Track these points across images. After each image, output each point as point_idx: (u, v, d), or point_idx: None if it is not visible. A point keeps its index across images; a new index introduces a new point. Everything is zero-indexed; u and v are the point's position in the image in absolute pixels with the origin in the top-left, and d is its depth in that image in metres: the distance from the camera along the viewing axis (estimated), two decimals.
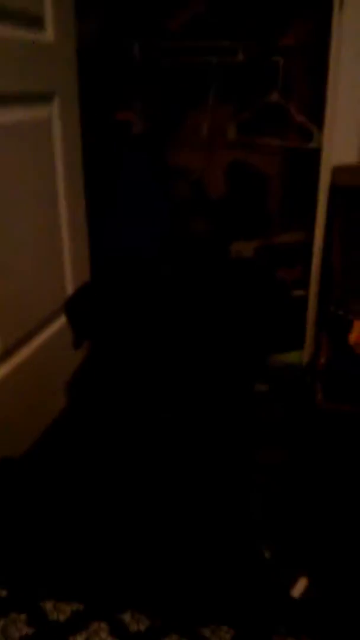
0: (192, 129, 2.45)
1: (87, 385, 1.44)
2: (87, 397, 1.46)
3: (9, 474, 1.61)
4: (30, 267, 1.71)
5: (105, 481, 1.51)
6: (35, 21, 1.63)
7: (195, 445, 1.61)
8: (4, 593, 1.22)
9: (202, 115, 2.40)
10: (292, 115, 2.23)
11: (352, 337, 1.81)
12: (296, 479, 1.67)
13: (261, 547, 1.41)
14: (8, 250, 1.59)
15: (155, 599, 1.23)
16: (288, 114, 2.25)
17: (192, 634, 1.14)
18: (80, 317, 1.30)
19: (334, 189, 1.84)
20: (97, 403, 1.41)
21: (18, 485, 1.57)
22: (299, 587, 1.32)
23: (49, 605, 1.19)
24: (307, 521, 1.50)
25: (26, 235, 1.68)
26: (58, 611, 1.18)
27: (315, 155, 2.05)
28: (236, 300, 1.94)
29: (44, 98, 1.74)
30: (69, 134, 1.88)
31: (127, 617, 1.18)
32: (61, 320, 1.95)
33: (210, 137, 2.40)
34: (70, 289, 1.98)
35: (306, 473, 1.68)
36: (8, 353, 1.67)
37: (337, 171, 1.80)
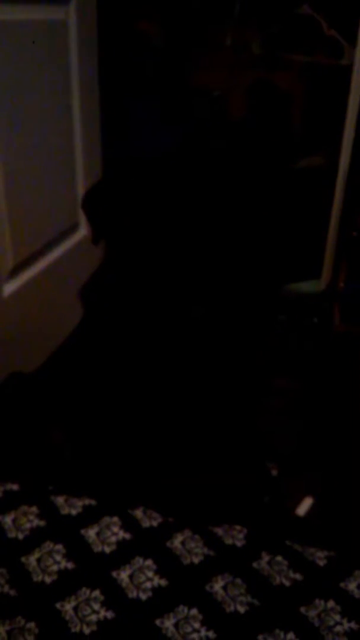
0: (215, 43, 2.33)
1: (103, 287, 1.40)
2: (103, 299, 1.42)
3: (21, 387, 1.60)
4: (42, 181, 1.65)
5: (122, 386, 1.48)
6: None
7: (210, 359, 1.58)
8: (15, 487, 1.20)
9: (226, 28, 2.28)
10: (322, 29, 2.12)
11: None
12: (308, 404, 1.66)
13: (268, 465, 1.41)
14: (21, 160, 1.52)
15: (167, 499, 1.22)
16: (318, 28, 2.13)
17: (205, 531, 1.13)
18: (97, 209, 1.25)
19: None
20: (113, 302, 1.37)
21: (29, 397, 1.56)
22: (304, 506, 1.32)
23: (60, 500, 1.18)
24: (315, 444, 1.49)
25: (39, 145, 1.61)
26: (69, 506, 1.17)
27: (344, 73, 1.95)
28: (257, 212, 1.88)
29: None
30: (85, 37, 1.79)
31: (139, 513, 1.17)
32: (74, 238, 1.91)
33: (234, 52, 2.28)
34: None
35: (319, 398, 1.67)
36: (20, 268, 1.63)
37: None
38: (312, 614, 1.01)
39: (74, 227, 1.91)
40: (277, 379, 1.79)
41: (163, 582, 1.04)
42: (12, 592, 1.01)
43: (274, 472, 1.43)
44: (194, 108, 2.38)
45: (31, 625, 0.96)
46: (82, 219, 1.94)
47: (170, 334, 1.50)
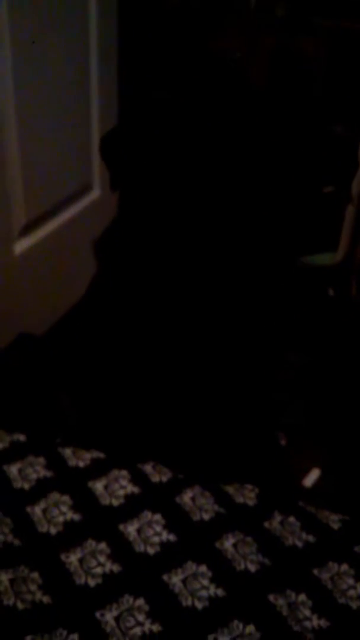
0: (238, 4, 2.26)
1: (113, 248, 1.36)
2: (114, 259, 1.38)
3: (29, 349, 1.57)
4: (57, 138, 1.60)
5: (133, 348, 1.45)
6: None
7: (223, 328, 1.54)
8: (22, 437, 1.17)
9: None
10: None
11: None
12: (320, 375, 1.63)
13: (277, 434, 1.39)
14: (35, 115, 1.47)
15: (177, 455, 1.18)
16: None
17: (215, 489, 1.09)
18: (114, 152, 1.20)
19: None
20: (124, 263, 1.33)
21: (37, 359, 1.53)
22: (311, 478, 1.30)
23: (67, 452, 1.15)
24: (327, 415, 1.47)
25: (54, 99, 1.56)
26: (77, 458, 1.14)
27: None
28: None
29: None
30: None
31: (148, 468, 1.13)
32: (87, 199, 1.87)
33: (256, 14, 2.21)
34: (96, 164, 1.88)
35: (332, 371, 1.64)
36: (31, 227, 1.59)
37: None
38: (325, 576, 0.98)
39: (87, 188, 1.87)
40: (289, 352, 1.76)
41: (172, 538, 1.01)
42: (16, 542, 0.98)
43: (283, 442, 1.40)
44: (213, 70, 2.31)
45: (35, 575, 0.93)
46: (96, 180, 1.90)
47: (182, 297, 1.46)
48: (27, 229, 1.57)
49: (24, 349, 1.57)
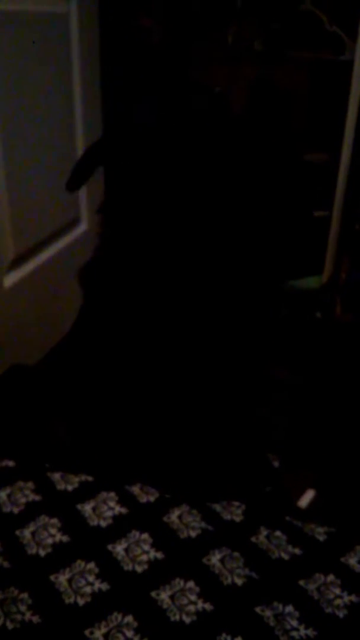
0: (217, 40, 2.34)
1: (100, 268, 1.40)
2: (98, 283, 1.41)
3: (22, 379, 1.59)
4: (44, 175, 1.65)
5: (121, 373, 1.47)
6: None
7: (212, 351, 1.56)
8: (11, 463, 1.19)
9: (227, 24, 2.29)
10: (324, 25, 2.13)
11: None
12: (310, 396, 1.64)
13: (269, 456, 1.39)
14: (22, 151, 1.53)
15: (165, 477, 1.20)
16: (320, 24, 2.14)
17: (202, 507, 1.11)
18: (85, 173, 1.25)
19: None
20: (110, 285, 1.36)
21: (30, 389, 1.55)
22: (307, 498, 1.30)
23: (56, 476, 1.17)
24: (318, 435, 1.48)
25: (41, 136, 1.61)
26: (66, 482, 1.16)
27: (346, 68, 1.96)
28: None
29: None
30: (87, 31, 1.80)
31: (136, 489, 1.15)
32: (75, 233, 1.91)
33: (235, 49, 2.29)
34: (84, 199, 1.93)
35: (320, 390, 1.65)
36: (20, 260, 1.63)
37: None
38: (311, 587, 0.99)
39: (75, 222, 1.92)
40: (279, 373, 1.78)
41: (159, 555, 1.02)
42: (6, 564, 0.99)
43: (276, 464, 1.41)
44: (195, 104, 2.38)
45: (24, 595, 0.95)
46: (83, 214, 1.95)
47: (169, 322, 1.49)
48: (16, 263, 1.61)
49: (17, 379, 1.59)
